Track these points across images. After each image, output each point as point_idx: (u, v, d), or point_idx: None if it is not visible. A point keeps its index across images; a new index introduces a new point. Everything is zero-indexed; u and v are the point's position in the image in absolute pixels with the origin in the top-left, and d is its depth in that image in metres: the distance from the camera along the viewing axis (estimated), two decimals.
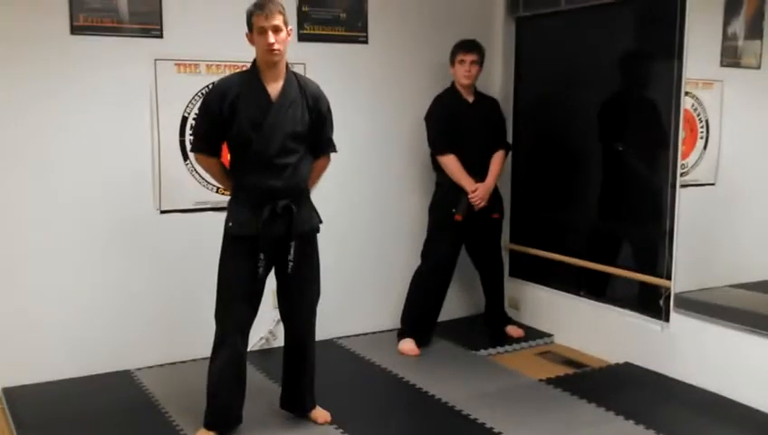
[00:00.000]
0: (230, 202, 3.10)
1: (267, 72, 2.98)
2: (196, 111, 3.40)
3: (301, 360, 3.22)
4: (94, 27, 3.67)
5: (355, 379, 3.82)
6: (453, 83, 4.26)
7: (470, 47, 4.15)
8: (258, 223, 2.94)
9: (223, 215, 3.97)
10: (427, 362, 4.02)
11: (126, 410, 3.40)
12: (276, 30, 2.89)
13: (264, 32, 2.89)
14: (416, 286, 4.28)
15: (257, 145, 2.93)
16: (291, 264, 3.00)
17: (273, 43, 2.88)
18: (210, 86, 3.90)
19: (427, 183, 4.40)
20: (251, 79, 2.99)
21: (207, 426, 3.09)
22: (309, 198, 3.15)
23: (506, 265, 4.72)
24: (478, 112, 4.24)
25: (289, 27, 2.98)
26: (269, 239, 2.96)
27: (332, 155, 3.26)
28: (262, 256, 2.95)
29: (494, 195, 4.26)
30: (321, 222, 3.18)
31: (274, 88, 2.98)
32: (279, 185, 2.96)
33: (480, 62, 4.18)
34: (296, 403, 3.27)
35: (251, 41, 2.99)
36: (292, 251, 2.99)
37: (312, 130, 3.07)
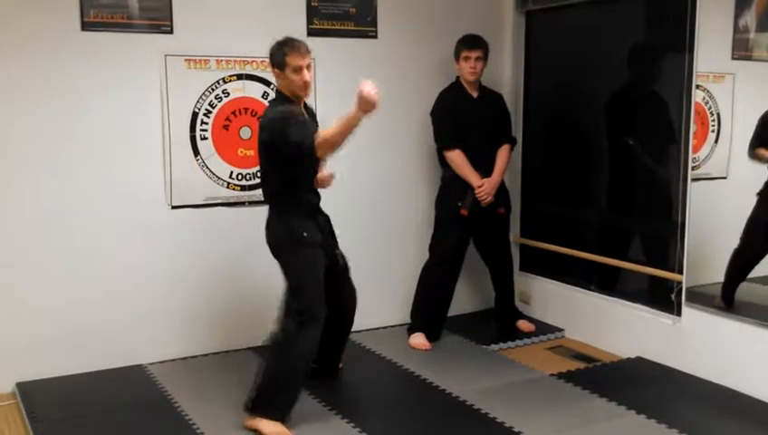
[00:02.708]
0: (287, 215, 3.21)
1: (298, 102, 3.23)
2: (281, 116, 3.23)
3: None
4: (105, 23, 3.68)
5: (366, 373, 3.83)
6: (457, 78, 4.25)
7: (474, 43, 4.14)
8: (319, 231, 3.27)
9: (233, 210, 4.04)
10: (437, 357, 4.03)
11: (139, 405, 3.42)
12: (309, 68, 3.15)
13: (300, 70, 3.10)
14: (424, 281, 4.29)
15: (311, 166, 3.24)
16: (340, 262, 3.44)
17: (309, 81, 3.14)
18: (220, 82, 3.93)
19: (434, 178, 4.39)
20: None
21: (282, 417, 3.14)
22: None
23: (517, 259, 4.72)
24: (483, 107, 4.23)
25: None
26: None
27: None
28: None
29: (500, 190, 4.25)
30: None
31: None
32: (319, 200, 3.36)
33: (485, 58, 4.17)
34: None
35: (279, 77, 3.17)
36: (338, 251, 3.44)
37: None
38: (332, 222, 3.42)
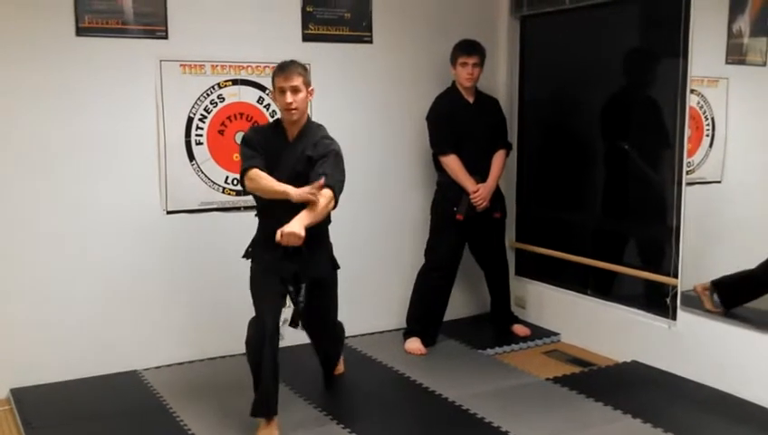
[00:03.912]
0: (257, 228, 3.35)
1: (289, 127, 3.23)
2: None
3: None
4: (99, 29, 3.68)
5: (362, 378, 3.82)
6: (453, 83, 4.25)
7: (471, 50, 4.14)
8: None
9: (229, 215, 4.04)
10: (433, 362, 4.02)
11: (133, 411, 3.41)
12: (295, 90, 3.12)
13: (283, 92, 3.12)
14: (420, 286, 4.29)
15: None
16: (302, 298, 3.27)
17: (291, 103, 3.11)
18: (215, 87, 3.94)
19: (430, 182, 4.40)
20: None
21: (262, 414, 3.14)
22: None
23: (512, 263, 4.72)
24: (479, 112, 4.24)
25: (310, 88, 3.21)
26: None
27: None
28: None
29: (496, 194, 4.25)
30: None
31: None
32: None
33: (481, 64, 4.17)
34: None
35: (274, 99, 3.25)
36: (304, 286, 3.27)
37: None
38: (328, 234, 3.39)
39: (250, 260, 3.32)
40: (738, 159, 3.73)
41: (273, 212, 3.12)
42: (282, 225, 2.97)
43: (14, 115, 3.57)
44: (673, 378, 3.70)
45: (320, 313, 3.35)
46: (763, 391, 3.35)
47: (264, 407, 3.09)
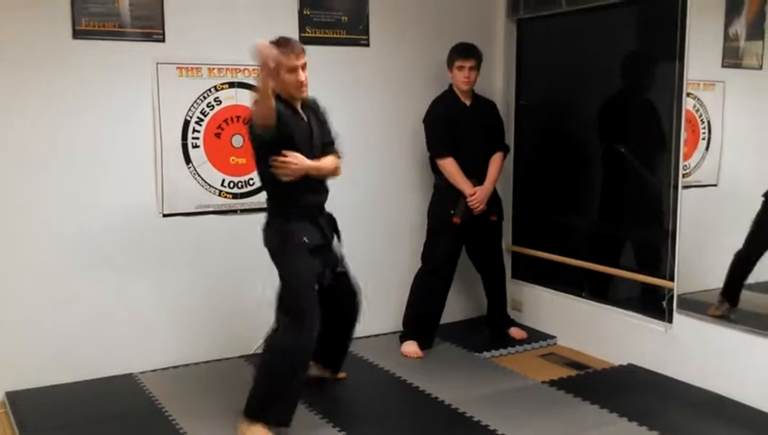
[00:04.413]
0: (281, 218, 3.22)
1: (294, 103, 3.22)
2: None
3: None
4: (96, 31, 3.68)
5: (358, 381, 3.81)
6: (450, 86, 4.25)
7: (468, 53, 4.15)
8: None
9: (225, 218, 4.03)
10: (429, 365, 4.02)
11: (130, 414, 3.40)
12: (305, 68, 3.15)
13: (295, 70, 3.11)
14: (416, 289, 4.29)
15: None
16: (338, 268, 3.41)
17: (304, 81, 3.13)
18: (212, 90, 3.94)
19: (427, 185, 4.40)
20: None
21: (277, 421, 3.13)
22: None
23: (509, 266, 4.72)
24: (476, 115, 4.24)
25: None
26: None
27: None
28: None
29: (493, 197, 4.25)
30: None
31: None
32: (320, 199, 3.34)
33: (478, 67, 4.18)
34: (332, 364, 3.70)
35: (276, 75, 3.14)
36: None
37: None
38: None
39: (287, 245, 3.17)
40: (734, 162, 3.74)
41: (310, 190, 3.20)
42: (320, 199, 3.26)
43: (10, 117, 3.56)
44: (669, 381, 3.71)
45: (351, 286, 3.53)
46: (759, 393, 3.36)
47: (289, 417, 3.10)
